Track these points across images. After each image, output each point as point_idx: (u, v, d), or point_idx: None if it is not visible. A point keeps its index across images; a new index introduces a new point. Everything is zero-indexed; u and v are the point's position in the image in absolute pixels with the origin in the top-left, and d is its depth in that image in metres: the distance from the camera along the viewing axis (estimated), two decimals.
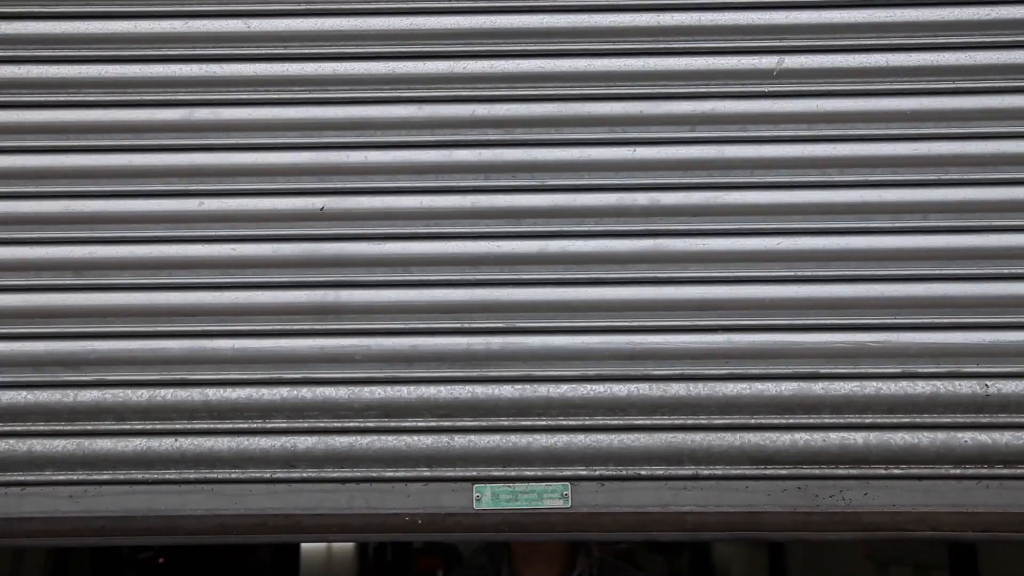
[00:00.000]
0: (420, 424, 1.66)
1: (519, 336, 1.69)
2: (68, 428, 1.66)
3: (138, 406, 1.67)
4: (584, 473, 1.64)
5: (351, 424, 1.66)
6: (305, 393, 1.67)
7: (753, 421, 1.64)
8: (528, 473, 1.64)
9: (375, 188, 1.75)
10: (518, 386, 1.67)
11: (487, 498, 1.63)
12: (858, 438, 1.63)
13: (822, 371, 1.66)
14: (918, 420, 1.63)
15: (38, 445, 1.66)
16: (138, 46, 1.80)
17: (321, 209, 1.74)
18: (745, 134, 1.75)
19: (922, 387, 1.64)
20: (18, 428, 1.66)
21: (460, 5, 1.80)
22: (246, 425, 1.66)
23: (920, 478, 1.61)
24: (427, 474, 1.64)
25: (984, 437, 1.62)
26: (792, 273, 1.69)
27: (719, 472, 1.63)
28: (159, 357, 1.69)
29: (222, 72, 1.79)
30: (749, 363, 1.66)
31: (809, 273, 1.69)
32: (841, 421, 1.64)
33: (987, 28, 1.77)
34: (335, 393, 1.67)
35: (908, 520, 1.60)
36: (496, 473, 1.64)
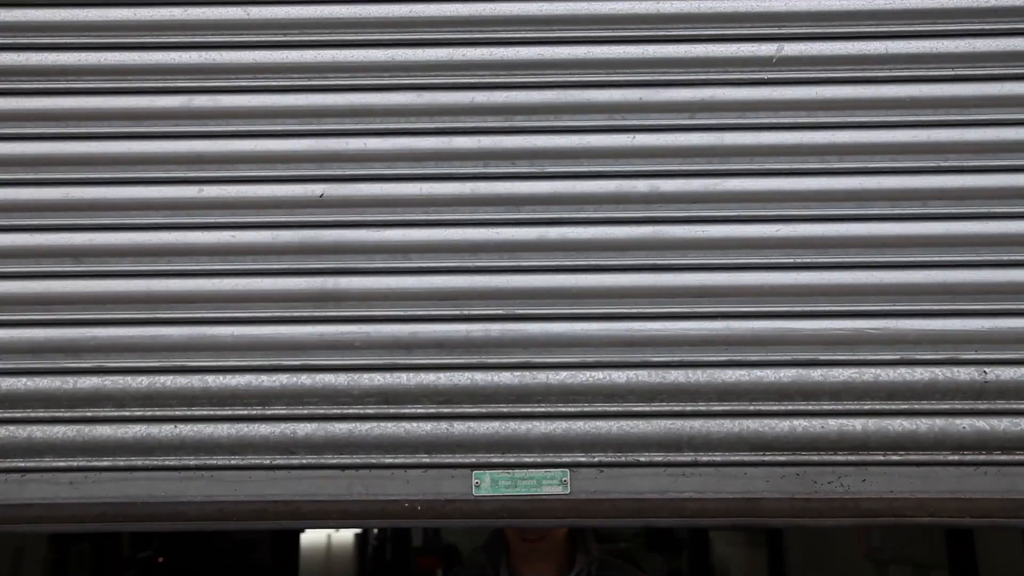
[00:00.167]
0: (419, 411, 1.66)
1: (518, 323, 1.69)
2: (68, 415, 1.66)
3: (138, 393, 1.67)
4: (583, 459, 1.64)
5: (350, 411, 1.66)
6: (304, 380, 1.67)
7: (752, 408, 1.65)
8: (527, 459, 1.64)
9: (374, 175, 1.75)
10: (517, 373, 1.67)
11: (486, 484, 1.63)
12: (856, 425, 1.63)
13: (821, 358, 1.66)
14: (916, 407, 1.64)
15: (38, 432, 1.66)
16: (137, 33, 1.80)
17: (320, 196, 1.74)
18: (744, 121, 1.75)
19: (920, 374, 1.65)
20: (18, 415, 1.67)
21: None
22: (246, 412, 1.66)
23: (918, 464, 1.61)
24: (426, 460, 1.64)
25: (982, 424, 1.62)
26: (791, 260, 1.70)
27: (718, 458, 1.63)
28: (159, 344, 1.69)
29: (221, 59, 1.79)
30: (748, 350, 1.67)
31: (808, 260, 1.69)
32: (840, 408, 1.64)
33: (986, 16, 1.77)
34: (334, 380, 1.67)
35: (906, 506, 1.60)
36: (495, 459, 1.64)
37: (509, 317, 1.69)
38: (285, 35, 1.80)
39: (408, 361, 1.68)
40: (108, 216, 1.74)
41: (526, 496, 1.63)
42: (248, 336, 1.69)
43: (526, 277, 1.71)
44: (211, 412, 1.66)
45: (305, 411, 1.66)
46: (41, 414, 1.66)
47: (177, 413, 1.67)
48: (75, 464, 1.64)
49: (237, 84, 1.78)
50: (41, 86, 1.78)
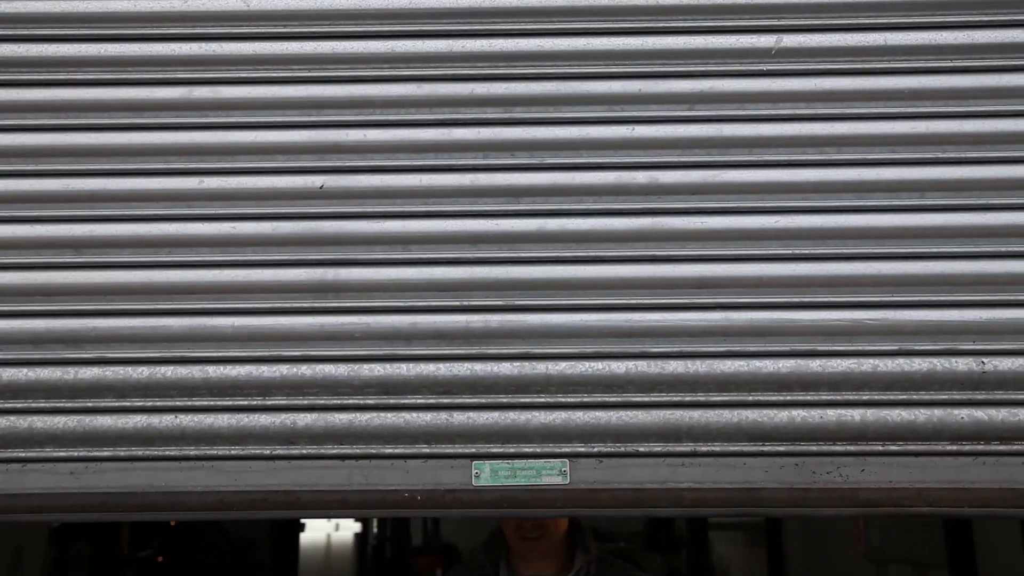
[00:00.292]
0: (419, 401, 1.67)
1: (518, 314, 1.69)
2: (69, 405, 1.67)
3: (138, 383, 1.68)
4: (582, 450, 1.64)
5: (350, 401, 1.67)
6: (304, 370, 1.68)
7: (751, 398, 1.65)
8: (527, 450, 1.65)
9: (374, 167, 1.75)
10: (517, 363, 1.67)
11: (486, 475, 1.64)
12: (855, 415, 1.64)
13: (819, 348, 1.66)
14: (915, 397, 1.64)
15: (39, 422, 1.66)
16: (138, 25, 1.80)
17: (320, 187, 1.75)
18: (743, 113, 1.76)
19: (919, 364, 1.65)
20: (19, 405, 1.67)
21: None
22: (246, 402, 1.67)
23: (917, 454, 1.62)
24: (426, 451, 1.65)
25: (980, 414, 1.63)
26: (790, 251, 1.70)
27: (717, 449, 1.63)
28: (159, 335, 1.69)
29: (221, 51, 1.80)
30: (747, 340, 1.67)
31: (807, 251, 1.70)
32: (838, 398, 1.64)
33: (985, 7, 1.77)
34: (334, 370, 1.68)
35: (905, 496, 1.60)
36: (495, 450, 1.65)
37: (508, 308, 1.70)
38: (285, 26, 1.80)
39: (408, 352, 1.68)
40: (108, 207, 1.74)
41: (526, 486, 1.63)
42: (248, 327, 1.70)
43: (525, 268, 1.71)
44: (211, 402, 1.67)
45: (305, 401, 1.67)
46: (42, 404, 1.67)
47: (178, 403, 1.67)
48: (76, 454, 1.65)
49: (237, 75, 1.78)
50: (41, 77, 1.79)
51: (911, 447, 1.62)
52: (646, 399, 1.66)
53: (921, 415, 1.63)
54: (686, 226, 1.72)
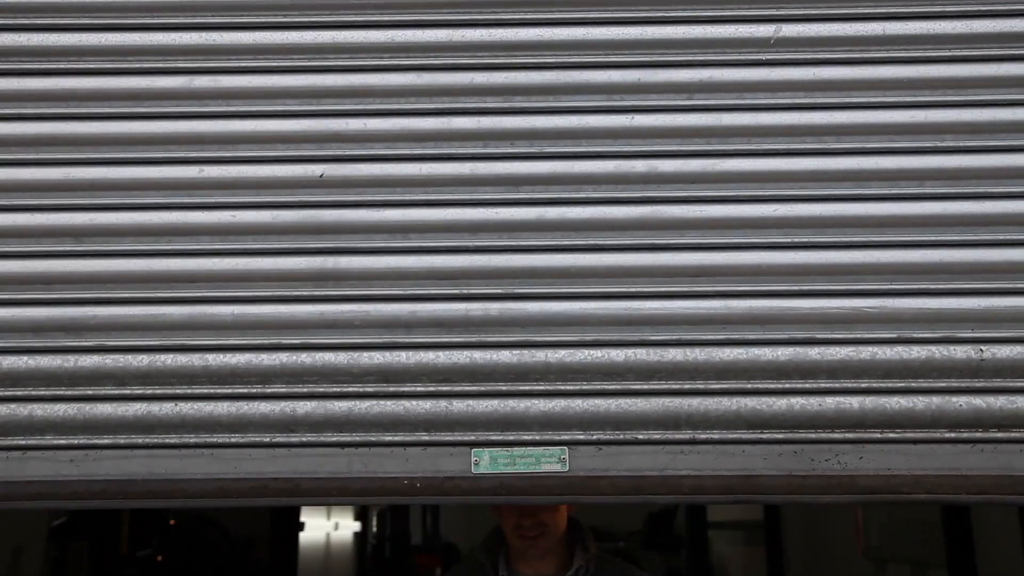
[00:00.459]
0: (419, 389, 1.67)
1: (517, 302, 1.70)
2: (69, 393, 1.67)
3: (138, 371, 1.68)
4: (582, 437, 1.65)
5: (350, 389, 1.67)
6: (304, 358, 1.68)
7: (750, 386, 1.65)
8: (526, 437, 1.65)
9: (374, 155, 1.76)
10: (516, 351, 1.68)
11: (485, 462, 1.64)
12: (854, 403, 1.64)
13: (818, 336, 1.66)
14: (913, 385, 1.64)
15: (39, 410, 1.66)
16: (138, 14, 1.81)
17: (320, 176, 1.75)
18: (742, 102, 1.76)
19: (917, 352, 1.65)
20: (19, 393, 1.67)
21: None
22: (246, 390, 1.67)
23: (915, 442, 1.62)
24: (426, 438, 1.65)
25: (979, 401, 1.63)
26: (789, 239, 1.70)
27: (716, 436, 1.64)
28: (159, 323, 1.70)
29: (222, 40, 1.80)
30: (746, 328, 1.67)
31: (806, 239, 1.70)
32: (837, 386, 1.65)
33: None
34: (334, 358, 1.68)
35: (903, 483, 1.60)
36: (494, 437, 1.65)
37: (508, 296, 1.70)
38: (285, 16, 1.81)
39: (407, 340, 1.69)
40: (109, 196, 1.74)
41: (525, 474, 1.63)
42: (248, 315, 1.70)
43: (525, 257, 1.71)
44: (211, 390, 1.67)
45: (305, 389, 1.67)
46: (42, 392, 1.67)
47: (177, 391, 1.67)
48: (76, 442, 1.65)
49: (237, 65, 1.79)
50: (43, 66, 1.79)
51: (909, 434, 1.62)
52: (645, 387, 1.66)
53: (919, 403, 1.63)
54: (685, 214, 1.72)
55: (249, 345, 1.69)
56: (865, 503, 1.71)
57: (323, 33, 1.80)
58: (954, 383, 1.64)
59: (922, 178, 1.72)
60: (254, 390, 1.67)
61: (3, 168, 1.76)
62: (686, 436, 1.64)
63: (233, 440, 1.65)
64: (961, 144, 1.73)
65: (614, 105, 1.77)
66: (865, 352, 1.66)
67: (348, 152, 1.76)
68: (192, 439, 1.65)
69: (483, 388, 1.67)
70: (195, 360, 1.68)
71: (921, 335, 1.66)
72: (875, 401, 1.64)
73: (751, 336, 1.67)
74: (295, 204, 1.74)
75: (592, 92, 1.77)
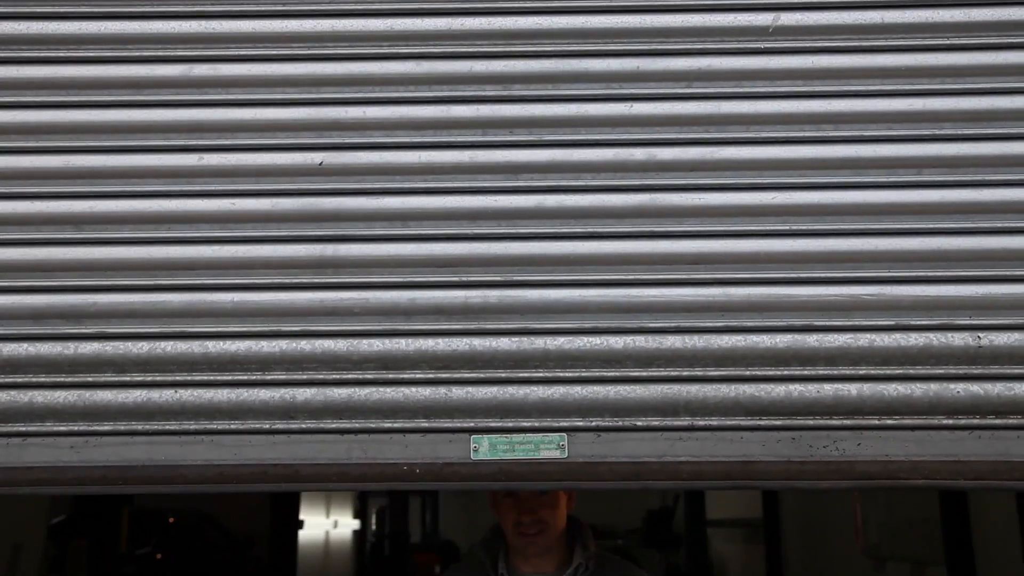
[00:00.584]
0: (418, 376, 1.67)
1: (516, 289, 1.70)
2: (69, 380, 1.67)
3: (138, 358, 1.68)
4: (580, 424, 1.65)
5: (350, 376, 1.67)
6: (304, 345, 1.69)
7: (748, 373, 1.66)
8: (525, 424, 1.65)
9: (374, 143, 1.76)
10: (515, 338, 1.68)
11: (484, 449, 1.64)
12: (852, 389, 1.64)
13: (817, 323, 1.67)
14: (911, 372, 1.65)
15: (39, 396, 1.67)
16: (138, 2, 1.81)
17: (320, 164, 1.75)
18: (741, 90, 1.76)
19: (915, 339, 1.66)
20: (19, 380, 1.68)
21: None
22: (245, 377, 1.68)
23: (913, 428, 1.63)
24: (425, 425, 1.66)
25: (976, 388, 1.64)
26: (787, 227, 1.71)
27: (714, 423, 1.64)
28: (159, 310, 1.70)
29: (221, 28, 1.80)
30: (744, 316, 1.68)
31: (804, 227, 1.71)
32: (835, 373, 1.65)
33: None
34: (334, 345, 1.69)
35: (901, 469, 1.61)
36: (493, 424, 1.65)
37: (507, 284, 1.70)
38: (284, 4, 1.81)
39: (407, 327, 1.69)
40: (109, 184, 1.75)
41: (524, 460, 1.64)
42: (248, 302, 1.70)
43: (524, 244, 1.72)
44: (211, 377, 1.68)
45: (304, 376, 1.67)
46: (42, 379, 1.68)
47: (177, 378, 1.68)
48: (76, 428, 1.66)
49: (237, 53, 1.79)
50: (42, 55, 1.79)
51: (907, 421, 1.63)
52: (644, 374, 1.66)
53: (917, 389, 1.64)
54: (684, 202, 1.73)
55: (249, 332, 1.69)
56: (863, 488, 1.71)
57: (322, 21, 1.80)
58: (952, 370, 1.64)
59: (920, 166, 1.72)
60: (254, 377, 1.68)
61: (3, 156, 1.76)
62: (685, 423, 1.64)
63: (233, 427, 1.66)
64: (959, 132, 1.73)
65: (613, 93, 1.77)
66: (863, 339, 1.66)
67: (347, 140, 1.76)
68: (192, 426, 1.66)
69: (482, 375, 1.67)
70: (195, 347, 1.69)
71: (919, 322, 1.66)
72: (873, 388, 1.64)
73: (749, 323, 1.67)
74: (295, 192, 1.74)
75: (591, 80, 1.78)
